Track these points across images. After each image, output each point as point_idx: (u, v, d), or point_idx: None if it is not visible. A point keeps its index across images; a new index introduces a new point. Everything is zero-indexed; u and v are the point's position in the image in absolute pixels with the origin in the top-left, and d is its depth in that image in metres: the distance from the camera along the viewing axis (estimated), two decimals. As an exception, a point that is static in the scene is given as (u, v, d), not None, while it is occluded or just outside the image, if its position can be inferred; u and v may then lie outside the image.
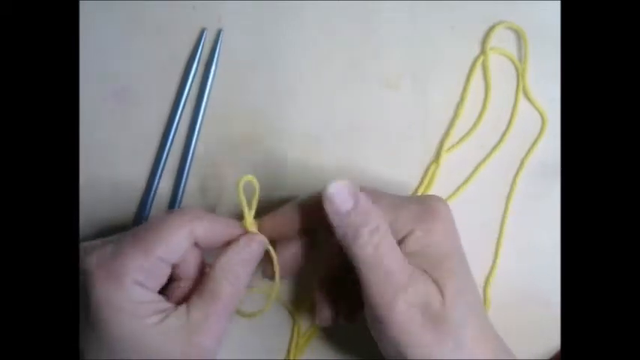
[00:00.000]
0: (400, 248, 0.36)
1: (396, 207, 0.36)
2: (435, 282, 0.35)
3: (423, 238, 0.36)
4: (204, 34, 0.44)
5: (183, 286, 0.38)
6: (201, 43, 0.44)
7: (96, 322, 0.34)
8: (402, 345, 0.34)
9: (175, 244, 0.36)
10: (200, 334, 0.35)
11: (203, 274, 0.38)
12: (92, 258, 0.35)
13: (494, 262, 0.44)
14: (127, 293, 0.34)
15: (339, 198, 0.35)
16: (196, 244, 0.37)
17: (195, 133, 0.44)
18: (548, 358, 0.44)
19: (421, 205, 0.37)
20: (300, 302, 0.44)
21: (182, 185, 0.44)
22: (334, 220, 0.35)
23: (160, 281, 0.37)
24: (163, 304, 0.36)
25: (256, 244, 0.38)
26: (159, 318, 0.35)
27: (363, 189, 0.37)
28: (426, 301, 0.34)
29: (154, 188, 0.44)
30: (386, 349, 0.36)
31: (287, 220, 0.38)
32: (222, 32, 0.44)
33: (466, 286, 0.36)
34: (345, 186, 0.35)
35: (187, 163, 0.44)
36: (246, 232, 0.38)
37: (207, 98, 0.44)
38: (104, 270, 0.35)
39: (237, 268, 0.37)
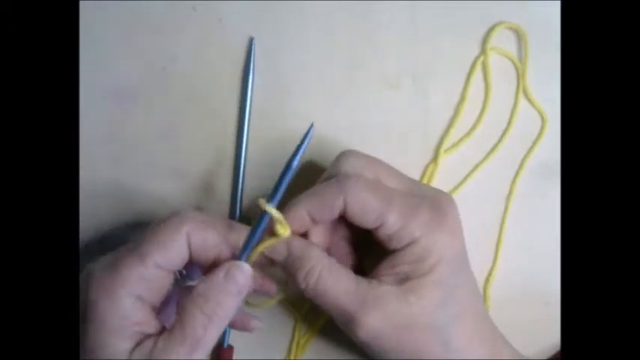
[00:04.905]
0: (402, 254, 0.36)
1: (407, 214, 0.36)
2: (411, 290, 0.36)
3: (428, 247, 0.36)
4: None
5: None
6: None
7: (82, 331, 0.34)
8: (381, 352, 0.37)
9: (173, 249, 0.35)
10: None
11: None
12: (94, 265, 0.35)
13: (494, 262, 0.44)
14: (118, 306, 0.34)
15: (273, 252, 0.37)
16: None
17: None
18: (548, 357, 0.44)
19: (432, 212, 0.37)
20: (301, 302, 0.44)
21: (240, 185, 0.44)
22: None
23: (160, 292, 0.36)
24: (149, 327, 0.35)
25: (241, 274, 0.36)
26: (131, 345, 0.34)
27: (377, 179, 0.38)
28: (393, 315, 0.36)
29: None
30: None
31: (305, 213, 0.37)
32: (254, 40, 0.44)
33: (453, 291, 0.37)
34: (279, 239, 0.37)
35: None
36: (232, 254, 0.36)
37: (250, 113, 0.44)
38: (101, 279, 0.34)
39: (217, 299, 0.35)
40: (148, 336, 0.35)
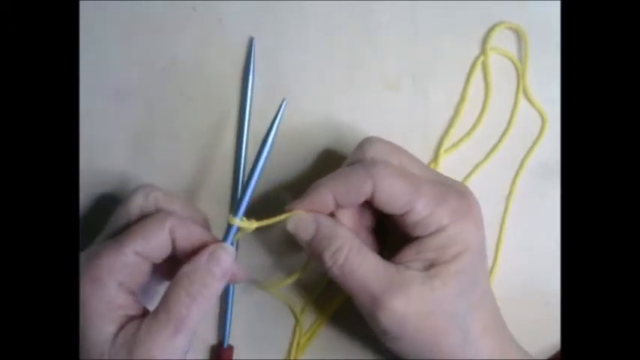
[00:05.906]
0: (427, 240, 0.36)
1: (436, 201, 0.36)
2: (436, 276, 0.36)
3: (455, 235, 0.36)
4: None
5: None
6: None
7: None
8: (400, 340, 0.36)
9: (153, 240, 0.36)
10: (141, 350, 0.34)
11: None
12: (81, 256, 0.36)
13: (494, 262, 0.44)
14: (103, 292, 0.35)
15: (300, 229, 0.37)
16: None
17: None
18: (548, 357, 0.44)
19: (460, 200, 0.37)
20: (302, 301, 0.44)
21: (237, 183, 0.44)
22: (303, 246, 0.38)
23: (140, 279, 0.37)
24: (132, 309, 0.36)
25: (225, 254, 0.36)
26: (115, 328, 0.35)
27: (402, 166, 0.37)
28: (418, 300, 0.35)
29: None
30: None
31: (321, 201, 0.37)
32: (254, 40, 0.44)
33: (473, 281, 0.37)
34: (305, 217, 0.37)
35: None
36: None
37: (250, 113, 0.44)
38: (85, 267, 0.35)
39: (201, 280, 0.35)
40: (131, 318, 0.35)
